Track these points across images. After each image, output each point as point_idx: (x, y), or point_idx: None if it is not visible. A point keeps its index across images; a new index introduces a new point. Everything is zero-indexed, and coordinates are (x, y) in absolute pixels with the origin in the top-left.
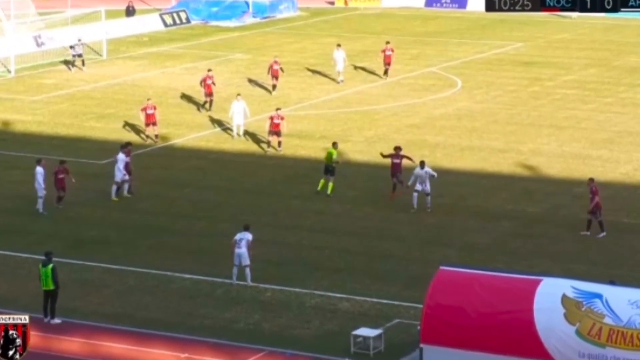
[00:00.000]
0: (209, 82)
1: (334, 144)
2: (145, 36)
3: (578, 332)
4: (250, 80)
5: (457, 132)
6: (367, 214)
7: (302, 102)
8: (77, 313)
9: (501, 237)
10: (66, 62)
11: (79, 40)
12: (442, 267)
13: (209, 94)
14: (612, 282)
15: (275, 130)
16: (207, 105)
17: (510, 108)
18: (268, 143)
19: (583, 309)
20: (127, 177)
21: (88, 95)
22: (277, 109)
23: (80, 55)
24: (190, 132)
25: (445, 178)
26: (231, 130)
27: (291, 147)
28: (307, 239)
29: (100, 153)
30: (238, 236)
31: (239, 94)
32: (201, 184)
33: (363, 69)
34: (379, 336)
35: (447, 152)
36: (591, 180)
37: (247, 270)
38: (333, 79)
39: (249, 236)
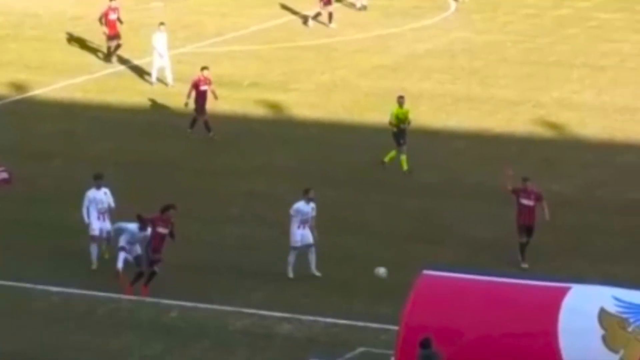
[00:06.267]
0: (112, 16)
1: (401, 99)
2: None
3: None
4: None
5: (450, 75)
6: (321, 196)
7: (224, 34)
8: None
9: (513, 227)
10: None
11: None
12: (426, 272)
13: (114, 36)
14: None
15: (203, 104)
16: (113, 53)
17: (526, 40)
18: (192, 123)
19: (630, 329)
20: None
21: None
22: (204, 69)
23: None
24: (59, 77)
25: (434, 143)
26: (149, 75)
27: (208, 99)
28: (233, 234)
29: None
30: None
31: (162, 23)
32: (75, 154)
33: None
34: None
35: (436, 105)
36: (526, 180)
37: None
38: None
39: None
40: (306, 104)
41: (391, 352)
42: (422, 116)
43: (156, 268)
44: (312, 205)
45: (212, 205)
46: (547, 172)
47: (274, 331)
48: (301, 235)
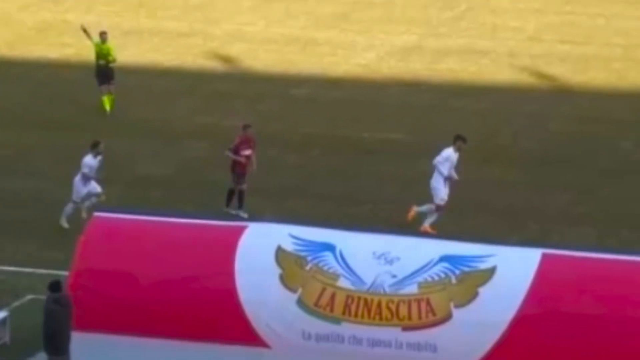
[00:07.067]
0: None
1: (103, 34)
2: None
3: (301, 303)
4: None
5: (115, 7)
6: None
7: None
8: None
9: (190, 163)
10: None
11: None
12: (97, 214)
13: None
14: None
15: None
16: None
17: None
18: None
19: (308, 267)
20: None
21: None
22: None
23: None
24: None
25: None
26: None
27: None
28: None
29: None
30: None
31: None
32: None
33: None
34: (1, 322)
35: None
36: (247, 127)
37: None
38: None
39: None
40: None
41: None
42: (86, 50)
43: None
44: (99, 158)
45: None
46: (219, 107)
47: None
48: (87, 190)
